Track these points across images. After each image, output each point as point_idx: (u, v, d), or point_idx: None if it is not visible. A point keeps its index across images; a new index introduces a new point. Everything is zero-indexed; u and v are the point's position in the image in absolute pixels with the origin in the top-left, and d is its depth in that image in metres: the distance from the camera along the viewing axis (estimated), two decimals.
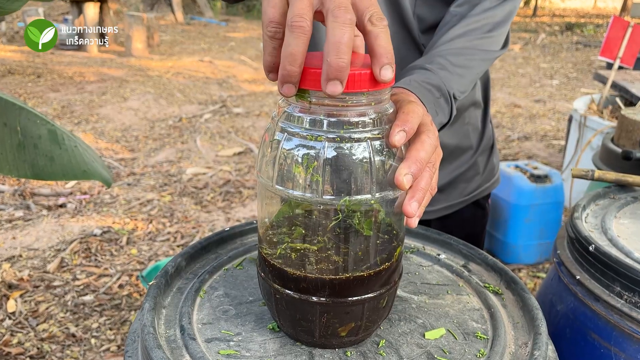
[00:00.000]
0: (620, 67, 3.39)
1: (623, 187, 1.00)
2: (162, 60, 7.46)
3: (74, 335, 2.05)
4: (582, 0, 21.47)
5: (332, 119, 0.53)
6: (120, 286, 2.39)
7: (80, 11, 7.40)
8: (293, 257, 0.59)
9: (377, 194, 0.54)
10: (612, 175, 0.97)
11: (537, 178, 2.57)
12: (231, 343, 0.62)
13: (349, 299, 0.58)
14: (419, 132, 0.59)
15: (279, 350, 0.61)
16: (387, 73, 0.51)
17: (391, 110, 0.57)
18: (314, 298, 0.58)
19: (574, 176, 0.98)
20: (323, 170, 0.53)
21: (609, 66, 3.36)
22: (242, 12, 14.08)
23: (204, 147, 4.27)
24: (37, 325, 2.10)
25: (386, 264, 0.59)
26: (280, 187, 0.55)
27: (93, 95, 5.48)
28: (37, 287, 2.35)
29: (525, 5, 18.43)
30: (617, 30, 3.12)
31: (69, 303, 2.25)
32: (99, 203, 3.22)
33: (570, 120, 3.23)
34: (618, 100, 3.11)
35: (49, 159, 0.97)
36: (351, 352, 0.62)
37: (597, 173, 0.97)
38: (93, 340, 2.04)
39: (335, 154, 0.53)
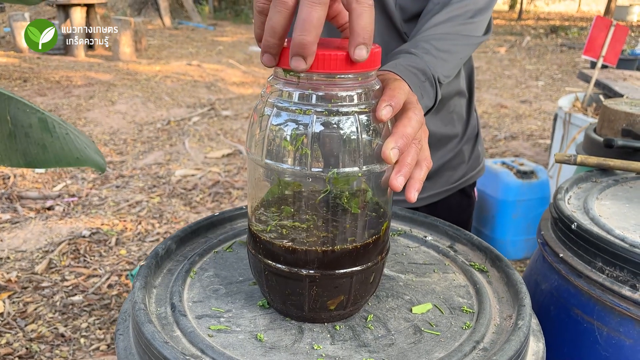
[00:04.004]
0: (604, 66, 3.44)
1: (604, 171, 1.02)
2: (150, 64, 7.44)
3: (63, 335, 2.04)
4: (567, 4, 21.74)
5: (320, 93, 0.54)
6: (110, 286, 2.38)
7: (66, 16, 7.35)
8: (283, 232, 0.60)
9: (364, 167, 0.56)
10: (593, 159, 1.00)
11: (524, 174, 2.60)
12: (221, 319, 0.63)
13: (337, 271, 0.59)
14: (405, 109, 0.60)
15: (269, 325, 0.62)
16: (360, 53, 0.51)
17: (377, 87, 0.58)
18: (303, 271, 0.59)
19: (557, 161, 1.00)
20: (311, 143, 0.54)
21: (593, 65, 3.42)
22: (230, 16, 14.09)
23: (192, 149, 4.27)
24: (26, 325, 2.08)
25: (373, 237, 0.60)
26: (270, 161, 0.56)
27: (80, 99, 5.45)
28: (25, 288, 2.33)
29: (510, 9, 18.64)
30: (600, 30, 3.17)
31: (58, 303, 2.23)
32: (87, 205, 3.20)
33: (555, 118, 3.27)
34: (602, 97, 3.16)
35: (41, 147, 0.97)
36: (340, 326, 0.63)
37: (580, 157, 1.00)
38: (82, 340, 2.03)
39: (323, 127, 0.54)
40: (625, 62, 5.22)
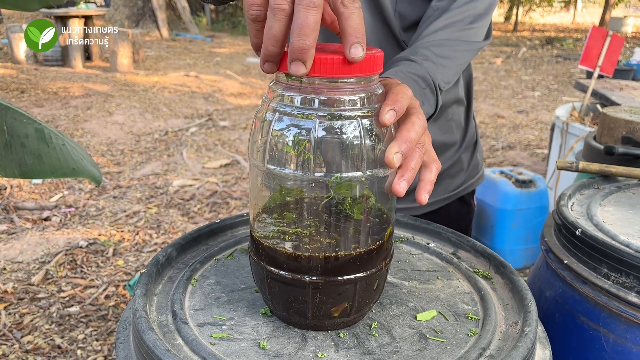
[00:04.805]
0: (600, 76, 3.46)
1: (607, 177, 1.02)
2: (147, 75, 7.45)
3: (59, 347, 2.02)
4: (561, 16, 21.94)
5: (323, 98, 0.54)
6: (107, 297, 2.36)
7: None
8: (286, 238, 0.59)
9: (367, 171, 0.55)
10: (595, 166, 0.99)
11: (522, 183, 2.60)
12: (224, 327, 0.62)
13: (340, 278, 0.58)
14: (408, 114, 0.60)
15: (271, 333, 0.61)
16: (356, 51, 0.51)
17: (380, 91, 0.58)
18: (306, 278, 0.58)
19: (558, 168, 0.99)
20: (314, 148, 0.53)
21: (589, 75, 3.43)
22: (228, 28, 14.15)
23: (190, 159, 4.26)
24: (22, 337, 2.06)
25: (376, 244, 0.60)
26: (272, 167, 0.56)
27: (78, 110, 5.45)
28: (21, 299, 2.31)
29: (506, 21, 18.78)
30: (596, 40, 3.19)
31: (54, 315, 2.21)
32: (84, 216, 3.19)
33: (552, 127, 3.28)
34: (599, 107, 3.17)
35: (37, 158, 0.96)
36: (344, 334, 0.62)
37: (582, 164, 0.99)
38: (79, 352, 2.00)
39: (325, 132, 0.53)
40: (621, 73, 5.25)
